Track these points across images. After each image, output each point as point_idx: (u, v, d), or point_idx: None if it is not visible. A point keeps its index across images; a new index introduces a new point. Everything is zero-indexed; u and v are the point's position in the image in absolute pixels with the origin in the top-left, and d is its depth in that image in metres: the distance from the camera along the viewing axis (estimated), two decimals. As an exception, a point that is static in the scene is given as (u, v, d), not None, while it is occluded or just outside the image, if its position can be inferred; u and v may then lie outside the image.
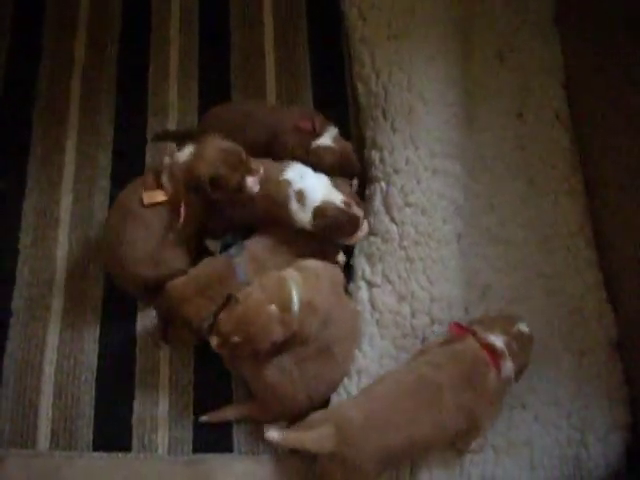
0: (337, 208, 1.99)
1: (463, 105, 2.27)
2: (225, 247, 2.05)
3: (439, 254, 2.04)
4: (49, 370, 2.08)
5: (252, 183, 2.00)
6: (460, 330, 1.88)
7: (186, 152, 2.01)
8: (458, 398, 1.78)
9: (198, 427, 2.01)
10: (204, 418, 1.98)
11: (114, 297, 2.15)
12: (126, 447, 1.99)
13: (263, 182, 2.02)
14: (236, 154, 1.99)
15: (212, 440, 1.99)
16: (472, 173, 2.22)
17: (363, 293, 2.05)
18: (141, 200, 1.99)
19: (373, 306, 2.02)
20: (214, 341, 1.80)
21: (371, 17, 2.31)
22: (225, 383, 2.03)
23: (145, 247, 1.99)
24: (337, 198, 2.00)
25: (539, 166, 2.24)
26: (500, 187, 2.21)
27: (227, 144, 2.00)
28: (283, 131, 2.15)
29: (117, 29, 2.53)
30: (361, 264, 2.07)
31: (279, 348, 1.84)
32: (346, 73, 2.41)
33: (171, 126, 2.37)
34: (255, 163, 2.02)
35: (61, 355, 2.09)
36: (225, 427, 2.00)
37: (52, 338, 2.11)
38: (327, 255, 2.08)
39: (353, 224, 2.02)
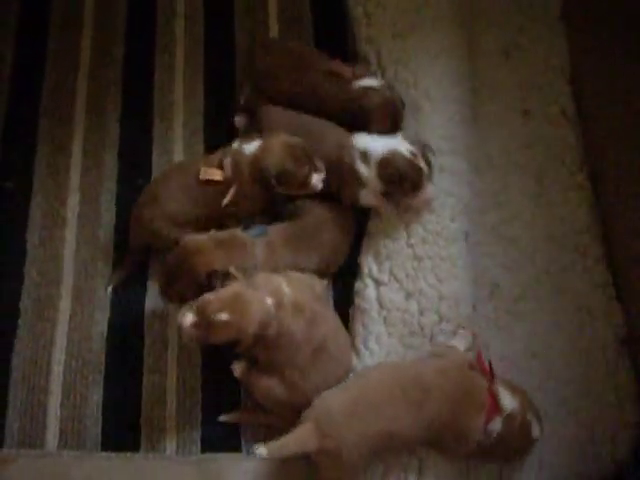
0: (403, 157, 1.99)
1: (469, 102, 2.26)
2: (245, 227, 2.03)
3: (447, 252, 2.03)
4: (57, 370, 2.08)
5: (317, 180, 2.02)
6: (485, 366, 1.82)
7: (254, 144, 2.04)
8: (438, 415, 1.75)
9: (206, 427, 2.01)
10: (223, 418, 1.98)
11: (122, 297, 2.15)
12: (134, 447, 1.99)
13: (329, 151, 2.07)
14: (303, 150, 2.02)
15: (220, 440, 2.00)
16: (478, 170, 2.21)
17: (370, 291, 2.04)
18: (197, 172, 2.03)
19: (380, 304, 2.02)
20: (188, 319, 1.74)
21: (376, 15, 2.30)
22: (233, 383, 2.01)
23: (177, 208, 2.06)
24: (404, 147, 2.00)
25: (546, 163, 2.23)
26: (507, 184, 2.21)
27: (295, 140, 2.03)
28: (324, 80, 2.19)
29: (122, 30, 2.53)
30: (368, 262, 2.07)
31: (267, 352, 1.84)
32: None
33: (177, 127, 2.37)
34: (319, 161, 2.03)
35: (69, 355, 2.10)
36: (233, 427, 2.00)
37: (60, 338, 2.11)
38: (337, 256, 2.09)
39: (418, 176, 1.99)
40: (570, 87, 2.32)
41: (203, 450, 1.99)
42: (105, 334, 2.12)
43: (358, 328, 2.03)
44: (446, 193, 2.09)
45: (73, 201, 2.28)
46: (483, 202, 2.16)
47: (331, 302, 2.12)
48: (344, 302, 2.09)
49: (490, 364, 1.81)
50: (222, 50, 2.49)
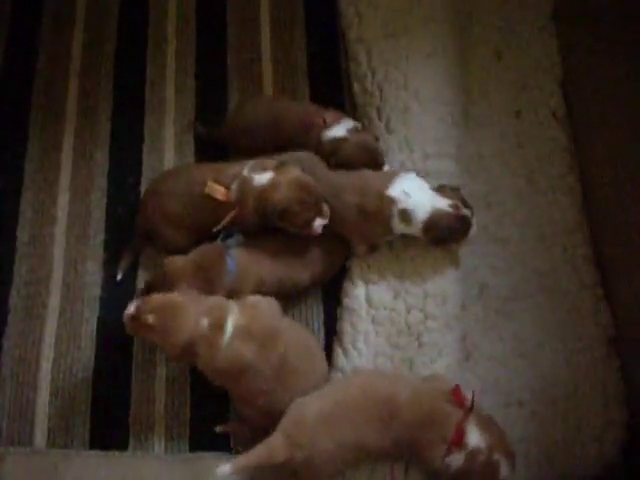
0: (447, 215, 1.94)
1: (460, 103, 2.26)
2: (226, 236, 2.02)
3: (432, 252, 2.04)
4: (46, 367, 2.08)
5: (319, 225, 1.96)
6: (461, 398, 1.77)
7: (265, 176, 1.96)
8: (406, 431, 1.73)
9: (194, 426, 2.01)
10: (219, 429, 1.96)
11: (111, 296, 2.15)
12: (123, 445, 1.99)
13: (360, 194, 2.01)
14: (313, 193, 1.95)
15: (208, 439, 1.99)
16: (469, 172, 2.21)
17: (359, 290, 2.05)
18: (204, 181, 2.01)
19: (369, 303, 2.02)
20: (129, 310, 1.78)
21: (367, 16, 2.29)
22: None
23: (177, 209, 2.06)
24: (444, 204, 1.95)
25: (536, 164, 2.24)
26: (497, 185, 2.22)
27: (307, 180, 1.96)
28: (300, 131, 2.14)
29: (114, 27, 2.53)
30: (358, 262, 2.08)
31: (230, 386, 1.85)
32: (343, 72, 2.39)
33: (168, 124, 2.37)
34: (325, 206, 1.98)
35: (58, 353, 2.10)
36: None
37: (49, 336, 2.12)
38: (328, 270, 2.09)
39: (466, 225, 1.97)
40: (561, 88, 2.32)
41: (191, 449, 1.99)
42: (94, 332, 2.12)
43: (346, 328, 2.03)
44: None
45: (63, 199, 2.29)
46: (473, 203, 2.13)
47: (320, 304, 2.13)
48: (331, 302, 2.10)
49: (473, 398, 1.76)
50: (213, 47, 2.48)
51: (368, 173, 2.05)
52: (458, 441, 1.70)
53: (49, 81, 2.45)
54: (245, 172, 1.99)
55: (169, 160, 2.33)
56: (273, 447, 1.70)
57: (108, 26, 2.53)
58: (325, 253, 2.07)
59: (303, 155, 2.08)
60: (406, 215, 1.96)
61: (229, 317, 1.78)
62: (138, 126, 2.37)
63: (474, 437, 1.71)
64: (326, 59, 2.44)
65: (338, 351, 2.02)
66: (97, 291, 2.16)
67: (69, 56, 2.48)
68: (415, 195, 1.97)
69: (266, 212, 1.94)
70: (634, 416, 1.96)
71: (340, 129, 2.10)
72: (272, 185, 1.95)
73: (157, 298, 1.78)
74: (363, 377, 1.87)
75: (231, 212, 1.97)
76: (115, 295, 2.15)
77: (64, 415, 2.02)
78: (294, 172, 1.97)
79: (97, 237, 2.23)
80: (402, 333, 1.99)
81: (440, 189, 1.99)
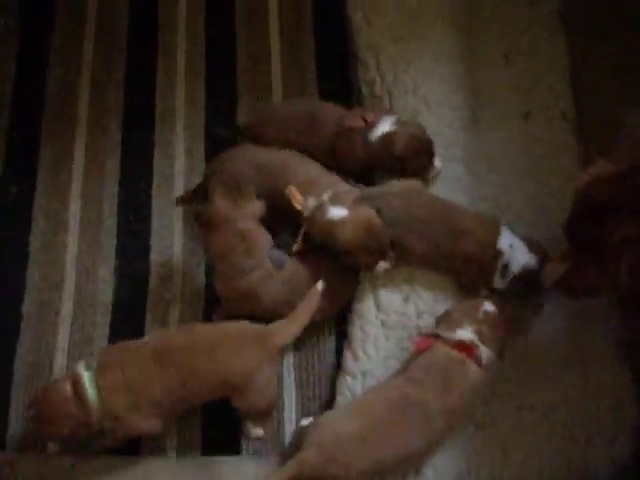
0: (534, 272, 1.92)
1: (469, 107, 2.26)
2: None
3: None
4: (59, 373, 2.09)
5: (381, 268, 1.95)
6: (424, 343, 1.85)
7: (338, 213, 1.93)
8: (444, 405, 1.77)
9: (206, 430, 2.02)
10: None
11: (123, 302, 2.18)
12: (135, 451, 1.99)
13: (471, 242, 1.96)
14: (379, 240, 1.92)
15: (220, 442, 2.00)
16: (479, 176, 2.20)
17: (369, 295, 2.05)
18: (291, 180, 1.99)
19: (379, 308, 2.03)
20: None
21: (376, 20, 2.30)
22: None
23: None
24: (533, 261, 1.93)
25: (547, 166, 2.21)
26: (507, 189, 2.19)
27: (377, 225, 1.91)
28: (335, 137, 2.11)
29: (124, 36, 2.55)
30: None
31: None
32: (352, 77, 2.40)
33: (179, 131, 2.39)
34: (390, 254, 1.94)
35: (71, 358, 2.11)
36: (233, 429, 2.01)
37: (62, 342, 2.13)
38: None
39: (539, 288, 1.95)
40: (570, 89, 2.30)
41: (203, 452, 1.99)
42: (107, 338, 2.13)
43: (356, 332, 2.03)
44: (446, 201, 2.09)
45: (75, 206, 2.30)
46: (483, 207, 2.14)
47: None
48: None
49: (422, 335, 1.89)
50: (223, 54, 2.50)
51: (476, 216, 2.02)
52: (468, 350, 1.81)
53: (61, 90, 2.47)
54: (325, 197, 1.97)
55: (179, 166, 2.34)
56: (306, 461, 1.70)
57: (118, 35, 2.55)
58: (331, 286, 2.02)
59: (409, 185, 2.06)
60: (505, 271, 1.94)
61: (87, 387, 1.78)
62: (149, 133, 2.39)
63: (466, 334, 1.82)
64: (335, 65, 2.45)
65: (348, 355, 2.02)
66: (109, 297, 2.18)
67: (80, 65, 2.50)
68: (517, 249, 1.95)
69: (331, 247, 1.93)
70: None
71: (385, 124, 2.08)
72: (341, 224, 1.92)
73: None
74: (379, 391, 1.87)
75: (302, 229, 1.97)
76: (127, 302, 2.17)
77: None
78: (366, 214, 1.93)
79: (109, 244, 2.25)
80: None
81: (529, 242, 1.97)
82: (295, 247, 1.98)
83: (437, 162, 2.11)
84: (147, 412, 1.81)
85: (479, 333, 1.83)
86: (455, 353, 1.81)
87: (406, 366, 1.88)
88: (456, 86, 2.25)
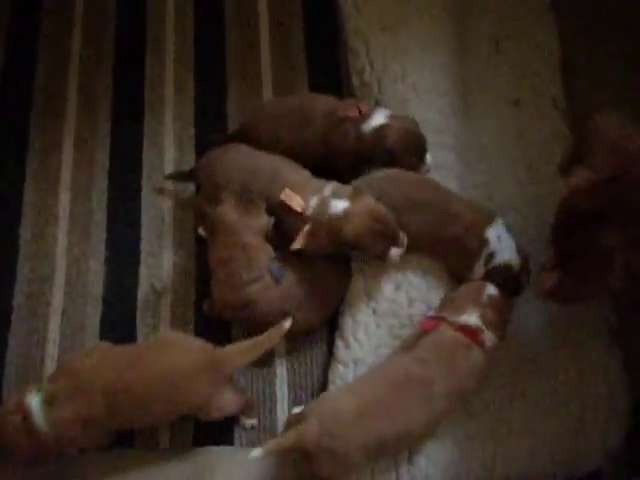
0: (514, 272, 1.95)
1: (459, 94, 2.26)
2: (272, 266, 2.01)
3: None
4: (51, 365, 2.08)
5: (395, 255, 1.93)
6: (431, 324, 1.87)
7: (341, 205, 1.91)
8: (447, 387, 1.79)
9: (199, 422, 1.99)
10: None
11: (114, 294, 2.17)
12: (129, 443, 1.99)
13: (460, 226, 1.96)
14: (387, 224, 1.90)
15: (213, 434, 2.00)
16: (469, 163, 2.20)
17: (359, 283, 2.04)
18: (283, 184, 1.98)
19: (369, 295, 2.02)
20: None
21: (365, 8, 2.29)
22: None
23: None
24: (516, 260, 1.95)
25: (537, 153, 2.20)
26: (498, 176, 2.19)
27: (382, 211, 1.91)
28: (329, 127, 2.09)
29: (112, 26, 2.54)
30: (354, 255, 2.06)
31: None
32: (342, 66, 2.39)
33: (168, 122, 2.38)
34: (402, 234, 1.93)
35: (62, 351, 2.10)
36: (226, 420, 1.98)
37: (53, 334, 2.12)
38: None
39: (519, 286, 1.98)
40: (561, 75, 2.29)
41: (196, 444, 1.99)
42: (97, 330, 2.12)
43: (347, 320, 2.03)
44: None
45: (65, 198, 2.30)
46: (474, 195, 2.13)
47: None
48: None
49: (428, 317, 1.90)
50: (211, 45, 2.49)
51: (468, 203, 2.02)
52: (473, 334, 1.83)
53: (48, 82, 2.46)
54: (326, 193, 1.96)
55: (169, 158, 2.33)
56: (305, 433, 1.71)
57: (106, 26, 2.54)
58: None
59: (390, 173, 2.05)
60: (490, 258, 1.95)
61: (32, 406, 1.77)
62: (138, 125, 2.38)
63: (471, 319, 1.84)
64: (325, 53, 2.44)
65: (339, 344, 2.02)
66: (99, 289, 2.17)
67: (68, 57, 2.49)
68: (505, 240, 1.97)
69: (338, 242, 1.91)
70: (638, 404, 1.94)
71: (379, 117, 2.07)
72: (345, 216, 1.90)
73: None
74: (381, 368, 1.88)
75: (305, 227, 1.93)
76: (117, 293, 2.17)
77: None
78: (369, 202, 1.92)
79: (99, 235, 2.24)
80: (404, 325, 1.99)
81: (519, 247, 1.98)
82: (295, 245, 1.93)
83: (428, 159, 2.10)
84: (100, 437, 1.84)
85: (483, 317, 1.84)
86: (461, 336, 1.83)
87: (409, 344, 1.89)
88: (446, 73, 2.24)
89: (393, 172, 2.06)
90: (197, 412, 1.86)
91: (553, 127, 2.24)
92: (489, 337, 1.84)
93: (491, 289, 1.90)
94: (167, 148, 2.35)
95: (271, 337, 1.91)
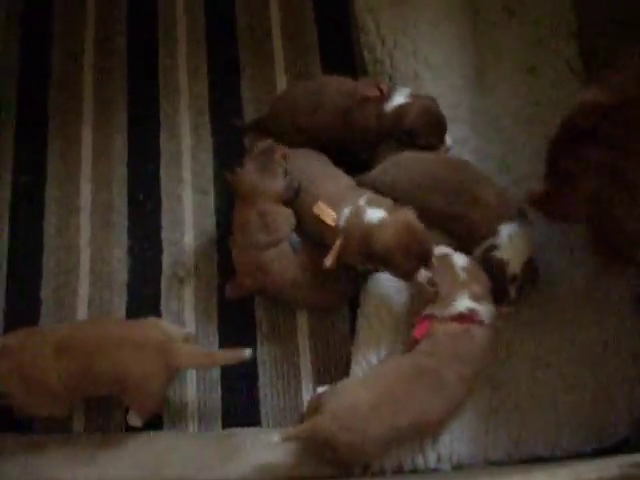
0: (507, 274, 1.90)
1: (472, 66, 2.23)
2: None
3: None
4: (81, 355, 2.14)
5: (424, 278, 1.84)
6: (423, 328, 1.85)
7: (377, 215, 1.86)
8: (458, 373, 1.78)
9: (226, 404, 2.05)
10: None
11: (138, 281, 2.20)
12: (158, 427, 2.03)
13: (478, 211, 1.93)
14: (424, 243, 1.83)
15: (241, 416, 2.04)
16: (484, 135, 2.17)
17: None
18: (315, 198, 1.97)
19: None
20: None
21: (374, -17, 2.27)
22: (250, 360, 2.01)
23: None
24: (515, 267, 1.89)
25: (554, 121, 2.10)
26: (515, 146, 2.16)
27: (420, 227, 1.83)
28: (350, 107, 2.09)
29: (124, 16, 2.55)
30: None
31: None
32: (354, 43, 2.37)
33: (183, 109, 2.39)
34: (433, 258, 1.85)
35: (91, 340, 2.15)
36: (252, 403, 2.05)
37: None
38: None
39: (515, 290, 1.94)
40: (576, 41, 2.25)
41: (224, 425, 2.03)
42: (124, 317, 2.15)
43: (369, 299, 2.03)
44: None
45: (86, 190, 2.32)
46: (490, 167, 2.11)
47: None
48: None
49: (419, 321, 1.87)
50: (223, 29, 2.49)
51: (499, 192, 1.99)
52: (468, 318, 1.81)
53: (64, 76, 2.48)
54: (361, 202, 1.91)
55: (187, 145, 2.35)
56: (319, 426, 1.74)
57: (118, 17, 2.55)
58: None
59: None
60: (489, 249, 1.91)
61: None
62: (154, 113, 2.40)
63: (461, 305, 1.82)
64: (337, 31, 2.43)
65: (362, 322, 2.02)
66: (124, 278, 2.20)
67: (82, 50, 2.50)
68: (514, 244, 1.91)
69: (368, 252, 1.86)
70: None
71: (400, 96, 2.06)
72: (379, 226, 1.85)
73: None
74: (390, 362, 1.90)
75: (338, 241, 1.89)
76: (141, 281, 2.20)
77: (101, 400, 2.04)
78: (407, 215, 1.85)
79: (121, 224, 2.27)
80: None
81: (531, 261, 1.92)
82: (328, 262, 1.89)
83: (448, 139, 2.09)
84: (42, 398, 1.86)
85: (473, 295, 1.83)
86: (455, 326, 1.81)
87: (410, 347, 1.88)
88: (458, 45, 2.22)
89: (418, 153, 2.06)
90: (130, 393, 1.88)
91: (570, 93, 2.19)
92: (485, 311, 1.82)
93: (458, 259, 1.87)
94: (183, 135, 2.36)
95: (226, 357, 1.96)
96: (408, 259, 1.82)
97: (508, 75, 2.25)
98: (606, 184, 1.56)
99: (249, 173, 2.00)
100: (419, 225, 1.85)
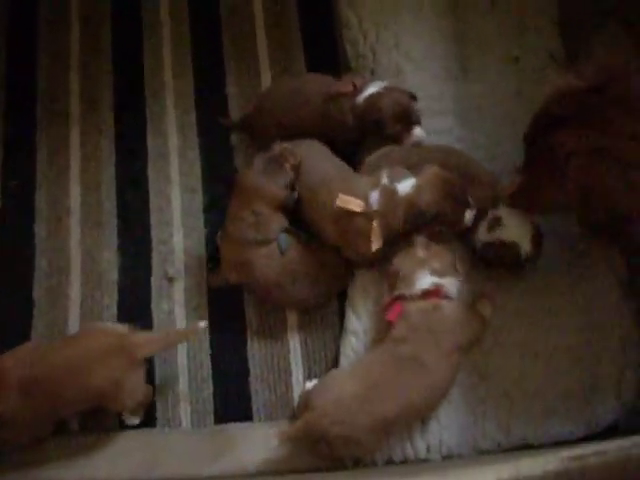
0: (517, 255, 1.92)
1: (455, 56, 2.23)
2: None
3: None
4: (72, 356, 2.16)
5: (470, 217, 1.91)
6: (395, 311, 1.87)
7: (408, 183, 1.90)
8: (437, 352, 1.80)
9: (218, 400, 2.07)
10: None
11: (128, 281, 2.22)
12: (151, 424, 2.05)
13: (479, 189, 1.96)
14: (460, 187, 1.90)
15: (232, 411, 2.06)
16: (470, 125, 2.18)
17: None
18: (330, 190, 1.97)
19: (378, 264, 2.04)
20: None
21: (356, -22, 2.27)
22: (241, 356, 2.10)
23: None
24: (525, 244, 1.91)
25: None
26: (499, 136, 2.16)
27: (450, 176, 1.91)
28: (327, 104, 2.10)
29: (108, 18, 2.55)
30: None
31: None
32: (337, 38, 2.37)
33: (169, 108, 2.40)
34: (469, 197, 1.91)
35: (82, 341, 2.17)
36: (244, 398, 2.07)
37: (73, 325, 2.17)
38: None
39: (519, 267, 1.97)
40: (558, 29, 2.25)
41: (216, 421, 2.05)
42: (115, 318, 2.17)
43: (357, 291, 2.05)
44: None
45: (75, 191, 2.33)
46: (477, 157, 2.10)
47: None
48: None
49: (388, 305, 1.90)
50: (207, 27, 2.49)
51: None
52: (434, 293, 1.85)
53: (51, 79, 2.48)
54: (385, 181, 1.93)
55: (173, 144, 2.36)
56: (311, 423, 1.76)
57: (103, 19, 2.55)
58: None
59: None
60: (496, 225, 1.93)
61: None
62: (140, 113, 2.41)
63: (424, 282, 1.86)
64: (321, 27, 2.43)
65: (350, 315, 2.04)
66: (114, 277, 2.22)
67: (68, 52, 2.51)
68: (520, 221, 1.93)
69: (419, 218, 1.89)
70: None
71: (373, 87, 2.08)
72: (418, 190, 1.89)
73: None
74: (369, 356, 1.92)
75: (374, 224, 1.90)
76: (132, 281, 2.22)
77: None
78: (434, 170, 1.91)
79: (110, 224, 2.28)
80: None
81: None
82: (374, 245, 1.91)
83: (419, 132, 2.08)
84: (24, 430, 1.89)
85: (434, 271, 1.86)
86: (424, 303, 1.84)
87: (386, 334, 1.90)
88: (440, 37, 2.22)
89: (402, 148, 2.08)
90: (111, 400, 1.89)
91: (552, 83, 2.19)
92: (451, 285, 1.86)
93: (420, 241, 1.90)
94: (170, 134, 2.37)
95: (183, 333, 2.04)
96: (456, 204, 1.89)
97: (491, 65, 2.25)
98: (595, 164, 1.57)
99: (255, 173, 2.03)
100: (447, 172, 1.92)
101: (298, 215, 2.08)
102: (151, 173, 2.33)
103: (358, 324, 2.02)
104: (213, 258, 2.18)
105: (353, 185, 1.97)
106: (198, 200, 2.29)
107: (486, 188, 1.97)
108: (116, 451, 2.01)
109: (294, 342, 2.11)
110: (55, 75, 2.49)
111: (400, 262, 1.91)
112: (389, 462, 1.90)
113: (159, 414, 2.07)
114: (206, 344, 2.12)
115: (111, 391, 1.86)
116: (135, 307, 2.18)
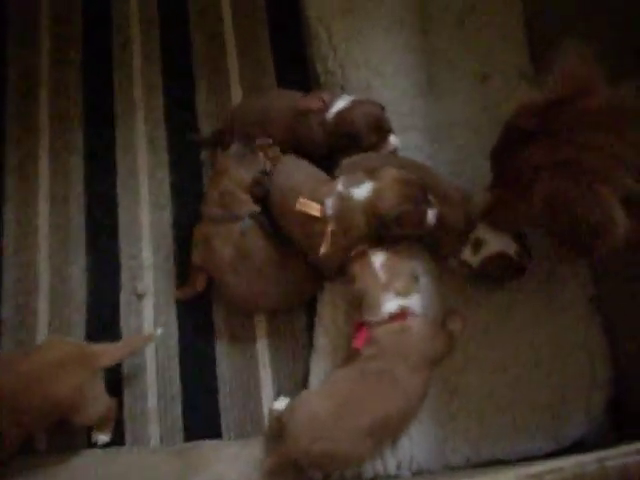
0: (510, 260, 1.91)
1: (425, 73, 2.24)
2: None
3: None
4: (40, 374, 2.13)
5: (432, 216, 1.89)
6: (361, 338, 1.87)
7: (364, 189, 1.89)
8: (408, 367, 1.81)
9: (187, 417, 2.07)
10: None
11: (97, 299, 2.21)
12: (120, 442, 2.05)
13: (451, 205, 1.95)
14: (419, 187, 1.89)
15: (202, 428, 2.05)
16: (438, 141, 2.19)
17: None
18: (298, 194, 1.96)
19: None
20: None
21: (326, -7, 2.28)
22: (210, 373, 2.09)
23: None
24: (512, 248, 1.91)
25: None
26: (467, 153, 2.17)
27: (406, 176, 1.89)
28: (296, 120, 2.11)
29: (79, 32, 2.55)
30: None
31: None
32: (307, 54, 2.37)
33: (139, 124, 2.39)
34: (431, 195, 1.90)
35: (50, 359, 2.15)
36: (213, 414, 2.06)
37: (40, 341, 2.16)
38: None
39: (520, 272, 1.96)
40: (527, 48, 2.26)
41: (186, 438, 2.04)
42: (84, 335, 2.16)
43: (327, 308, 2.05)
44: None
45: (44, 208, 2.33)
46: (445, 172, 2.12)
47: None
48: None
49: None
50: (178, 44, 2.49)
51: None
52: (400, 315, 1.85)
53: (20, 94, 2.48)
54: (340, 188, 1.92)
55: (143, 159, 2.35)
56: (290, 449, 1.77)
57: (73, 33, 2.55)
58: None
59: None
60: (478, 245, 1.92)
61: None
62: (109, 129, 2.40)
63: (391, 305, 1.86)
64: (291, 43, 2.43)
65: (319, 331, 2.04)
66: (83, 294, 2.21)
67: (37, 68, 2.50)
68: (489, 237, 1.92)
69: (381, 223, 1.88)
70: (620, 373, 1.94)
71: (341, 102, 2.07)
72: (376, 194, 1.88)
73: None
74: (347, 372, 1.89)
75: (327, 229, 1.90)
76: (100, 298, 2.21)
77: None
78: (390, 172, 1.90)
79: (78, 241, 2.27)
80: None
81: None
82: (323, 249, 1.90)
83: (393, 139, 2.09)
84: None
85: (396, 291, 1.86)
86: (392, 326, 1.84)
87: (352, 358, 1.90)
88: (410, 53, 2.23)
89: (378, 154, 2.07)
90: (75, 410, 1.88)
91: (521, 99, 2.20)
92: (414, 302, 1.87)
93: (375, 258, 1.90)
94: (139, 149, 2.37)
95: (140, 340, 2.08)
96: (417, 205, 1.87)
97: (460, 83, 2.25)
98: (561, 177, 1.57)
99: (228, 155, 2.07)
100: (404, 173, 1.91)
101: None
102: (120, 189, 2.33)
103: (327, 341, 2.02)
104: (182, 274, 2.17)
105: (316, 191, 1.97)
106: (167, 217, 2.28)
107: (457, 209, 1.96)
108: (84, 470, 1.99)
109: (264, 359, 2.10)
110: (24, 91, 2.49)
111: (363, 285, 1.89)
112: (358, 478, 1.90)
113: (128, 433, 2.06)
114: (175, 361, 2.12)
115: (75, 400, 1.85)
116: (104, 324, 2.17)
